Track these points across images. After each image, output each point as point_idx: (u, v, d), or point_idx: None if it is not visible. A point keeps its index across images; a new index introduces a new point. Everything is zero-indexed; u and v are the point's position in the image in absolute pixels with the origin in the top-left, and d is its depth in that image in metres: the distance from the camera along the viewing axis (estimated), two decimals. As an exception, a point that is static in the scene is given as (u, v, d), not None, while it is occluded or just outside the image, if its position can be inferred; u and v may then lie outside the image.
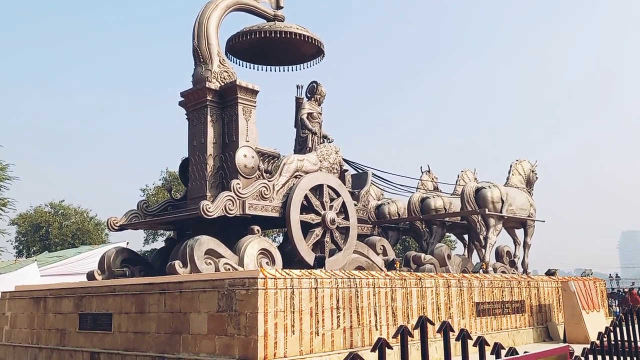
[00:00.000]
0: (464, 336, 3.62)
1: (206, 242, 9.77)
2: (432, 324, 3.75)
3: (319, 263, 9.38)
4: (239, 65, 14.25)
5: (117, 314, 9.29)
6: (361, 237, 13.71)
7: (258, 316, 7.30)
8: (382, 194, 18.09)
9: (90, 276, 11.03)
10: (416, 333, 3.62)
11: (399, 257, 12.15)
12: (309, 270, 8.48)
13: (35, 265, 20.55)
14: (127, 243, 26.49)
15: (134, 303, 9.04)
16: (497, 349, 3.66)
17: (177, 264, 9.35)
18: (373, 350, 3.28)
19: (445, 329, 3.58)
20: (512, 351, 3.66)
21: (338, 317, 8.42)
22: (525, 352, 3.58)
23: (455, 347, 4.20)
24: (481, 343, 3.65)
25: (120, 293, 9.32)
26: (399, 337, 3.38)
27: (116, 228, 11.84)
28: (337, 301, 8.47)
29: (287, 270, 8.07)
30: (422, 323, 3.43)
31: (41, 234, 42.36)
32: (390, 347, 3.31)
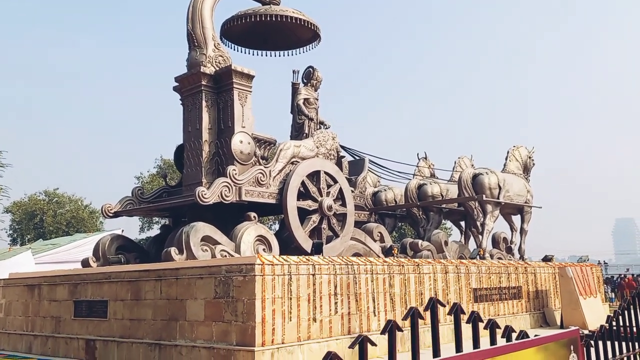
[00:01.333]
0: (474, 319, 3.54)
1: (202, 228, 9.67)
2: (444, 305, 3.68)
3: (317, 249, 9.30)
4: (235, 50, 14.09)
5: (112, 301, 9.20)
6: (358, 224, 13.65)
7: (255, 302, 7.22)
8: (379, 181, 18.00)
9: (85, 263, 10.92)
10: (423, 316, 3.53)
11: (397, 244, 12.06)
12: (307, 257, 8.40)
13: (29, 253, 20.44)
14: (122, 231, 26.41)
15: (129, 290, 8.95)
16: (508, 332, 3.58)
17: (173, 250, 9.25)
18: (383, 332, 3.20)
19: (457, 311, 3.51)
20: (523, 334, 3.59)
21: (336, 303, 8.36)
22: (535, 335, 3.50)
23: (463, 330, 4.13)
24: (492, 326, 3.57)
25: (115, 280, 9.22)
26: (408, 319, 3.30)
27: (111, 215, 11.72)
28: (335, 287, 8.40)
29: (284, 257, 7.99)
30: (433, 305, 3.35)
31: (35, 222, 42.13)
32: (400, 330, 3.24)
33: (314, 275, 8.08)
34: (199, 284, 7.92)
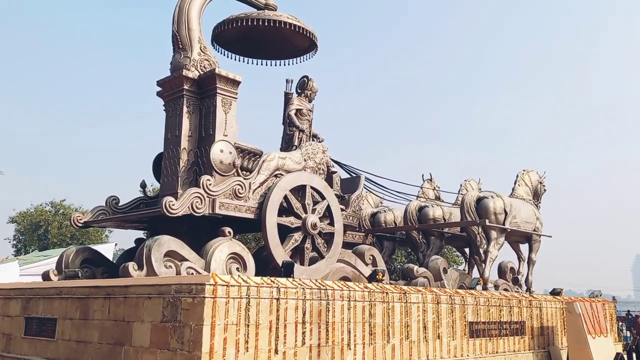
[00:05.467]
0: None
1: (167, 242, 8.79)
2: None
3: (287, 270, 8.33)
4: (227, 57, 13.33)
5: (61, 320, 8.33)
6: (351, 246, 12.72)
7: (203, 329, 6.29)
8: (381, 202, 17.09)
9: (46, 276, 10.07)
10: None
11: (380, 269, 10.97)
12: (272, 278, 7.44)
13: (16, 264, 19.74)
14: (116, 244, 25.67)
15: (78, 308, 8.07)
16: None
17: (132, 265, 8.36)
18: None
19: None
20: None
21: (304, 332, 7.38)
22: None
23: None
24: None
25: (66, 296, 8.37)
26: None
27: (80, 225, 10.96)
28: (304, 314, 7.43)
29: (244, 277, 7.06)
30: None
31: (40, 233, 41.64)
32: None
33: (278, 299, 7.13)
34: (146, 305, 7.02)
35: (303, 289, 7.51)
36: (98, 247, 22.81)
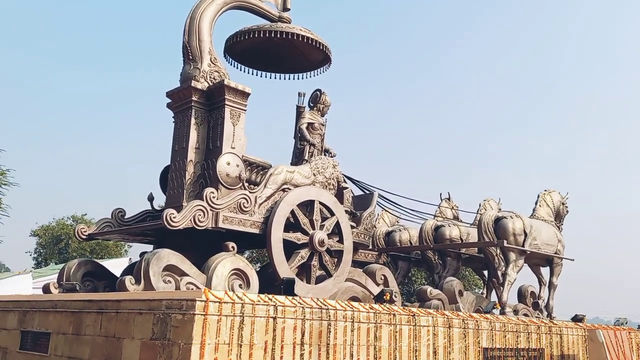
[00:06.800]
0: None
1: (167, 256, 8.50)
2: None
3: (287, 288, 7.95)
4: (240, 70, 13.13)
5: (55, 334, 8.06)
6: (363, 265, 12.31)
7: (192, 348, 5.93)
8: (397, 221, 16.67)
9: (46, 289, 9.86)
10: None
11: (389, 289, 10.49)
12: (270, 296, 7.06)
13: (29, 277, 19.74)
14: (130, 259, 25.53)
15: (72, 322, 7.79)
16: None
17: (129, 279, 8.07)
18: None
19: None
20: None
21: (302, 355, 6.96)
22: None
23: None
24: None
25: (61, 310, 8.11)
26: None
27: (84, 237, 10.78)
28: (303, 335, 7.02)
29: (239, 294, 6.70)
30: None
31: (60, 247, 41.91)
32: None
33: (275, 318, 6.74)
34: (137, 321, 6.70)
35: (303, 307, 7.12)
36: (112, 262, 22.71)
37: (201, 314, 6.05)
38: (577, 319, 13.65)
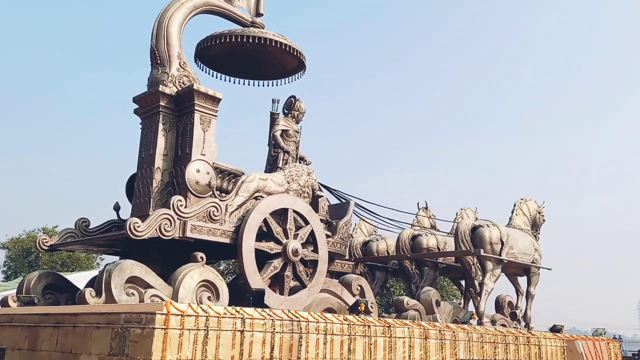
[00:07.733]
0: None
1: (130, 267, 8.08)
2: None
3: (256, 299, 7.59)
4: (212, 75, 12.78)
5: (10, 350, 7.59)
6: (340, 276, 12.00)
7: (152, 364, 5.54)
8: (374, 231, 16.41)
9: (4, 303, 9.34)
10: None
11: (364, 300, 10.19)
12: (237, 308, 6.70)
13: (-7, 290, 18.99)
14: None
15: (27, 337, 7.34)
16: None
17: (89, 292, 7.64)
18: None
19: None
20: None
21: (271, 370, 6.61)
22: None
23: None
24: None
25: (17, 324, 7.65)
26: None
27: (45, 248, 10.32)
28: (272, 349, 6.67)
29: (204, 307, 6.33)
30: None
31: (30, 260, 40.86)
32: None
33: (242, 332, 6.38)
34: (95, 335, 6.29)
35: (272, 320, 6.77)
36: (81, 274, 22.00)
37: (162, 328, 5.67)
38: (555, 329, 13.47)
